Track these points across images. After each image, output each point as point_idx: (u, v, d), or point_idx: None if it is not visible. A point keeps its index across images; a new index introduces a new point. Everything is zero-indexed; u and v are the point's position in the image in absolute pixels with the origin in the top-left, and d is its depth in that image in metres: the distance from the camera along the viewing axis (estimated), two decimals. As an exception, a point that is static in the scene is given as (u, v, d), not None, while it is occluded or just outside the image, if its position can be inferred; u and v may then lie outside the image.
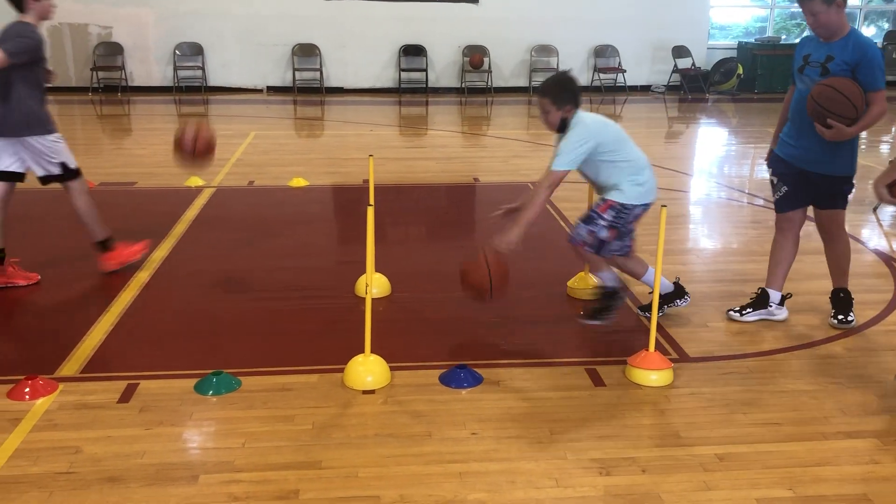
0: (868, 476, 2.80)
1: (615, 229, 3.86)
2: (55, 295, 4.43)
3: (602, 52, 13.68)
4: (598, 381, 3.47)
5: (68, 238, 5.49)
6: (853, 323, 4.04)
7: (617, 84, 13.82)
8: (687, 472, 2.80)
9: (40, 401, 3.24)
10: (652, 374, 3.42)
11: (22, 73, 4.22)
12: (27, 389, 3.28)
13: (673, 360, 3.59)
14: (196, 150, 4.61)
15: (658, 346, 3.62)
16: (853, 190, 3.98)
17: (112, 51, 12.80)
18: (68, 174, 4.53)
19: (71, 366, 3.56)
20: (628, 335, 3.94)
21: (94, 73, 12.67)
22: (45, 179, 4.53)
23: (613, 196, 3.84)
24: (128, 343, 3.83)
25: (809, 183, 3.93)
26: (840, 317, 4.05)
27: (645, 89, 13.93)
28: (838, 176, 3.86)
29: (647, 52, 13.82)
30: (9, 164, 4.39)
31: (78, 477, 2.74)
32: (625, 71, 13.57)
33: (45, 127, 4.39)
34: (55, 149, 4.45)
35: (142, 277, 4.65)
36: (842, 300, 4.08)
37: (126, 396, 3.29)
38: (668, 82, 13.85)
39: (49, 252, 5.16)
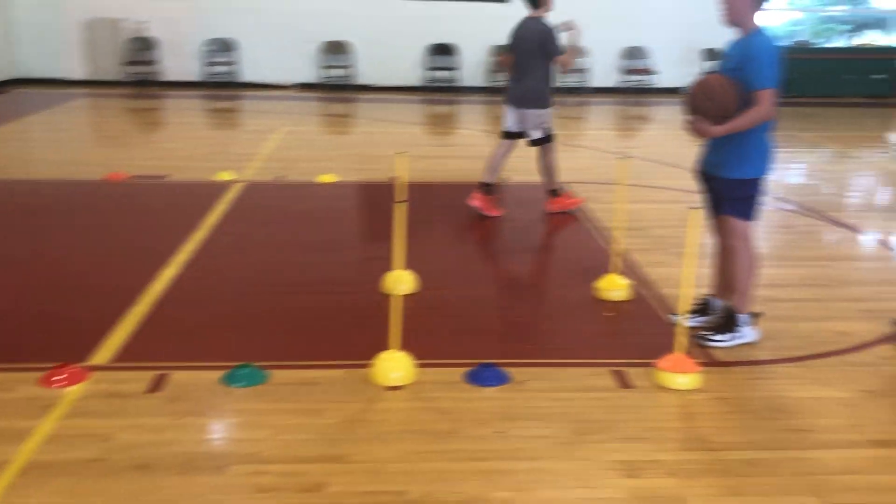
0: (899, 486, 2.76)
1: None
2: (87, 284, 4.49)
3: (632, 53, 13.59)
4: (624, 382, 3.45)
5: (108, 231, 5.58)
6: (725, 344, 3.77)
7: (647, 86, 13.73)
8: (714, 476, 2.78)
9: (72, 388, 3.29)
10: (680, 377, 3.39)
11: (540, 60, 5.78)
12: (58, 377, 3.33)
13: (701, 364, 3.56)
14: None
15: (686, 350, 3.59)
16: (755, 198, 3.71)
17: (146, 45, 12.96)
18: (548, 140, 6.00)
19: (102, 354, 3.61)
20: (656, 338, 3.91)
21: (128, 66, 12.83)
22: (533, 142, 6.02)
23: None
24: (158, 333, 3.87)
25: (710, 186, 3.81)
26: (708, 335, 3.80)
27: (675, 91, 13.81)
28: (729, 179, 3.67)
29: (678, 54, 13.71)
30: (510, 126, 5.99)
31: (108, 464, 2.78)
32: (655, 73, 13.47)
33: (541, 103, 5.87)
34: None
35: (172, 270, 4.70)
36: (724, 319, 3.82)
37: (156, 386, 3.34)
38: (699, 85, 13.73)
39: (89, 244, 5.25)
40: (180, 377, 3.42)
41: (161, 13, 12.83)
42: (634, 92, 13.59)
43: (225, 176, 6.96)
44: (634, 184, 6.31)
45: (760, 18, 3.60)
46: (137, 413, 3.13)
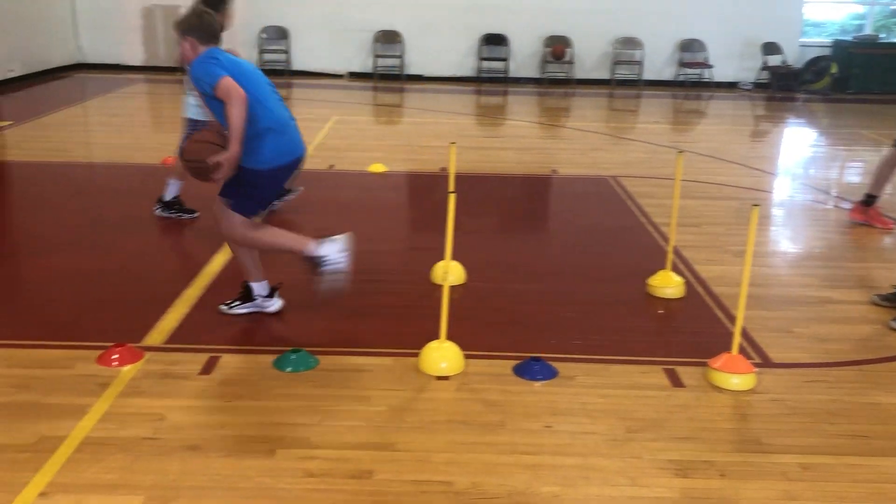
0: (963, 498, 2.67)
1: None
2: (143, 267, 4.58)
3: (688, 46, 13.34)
4: (676, 381, 3.39)
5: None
6: (235, 310, 3.92)
7: (702, 80, 13.47)
8: (768, 479, 2.72)
9: (127, 368, 3.36)
10: (734, 377, 3.32)
11: None
12: (115, 356, 3.41)
13: (755, 365, 3.49)
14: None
15: (741, 350, 3.52)
16: (254, 192, 3.75)
17: (201, 33, 13.13)
18: None
19: (156, 336, 3.68)
20: (710, 337, 3.84)
21: (184, 53, 13.03)
22: None
23: None
24: (210, 317, 3.93)
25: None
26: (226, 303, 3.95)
27: (731, 86, 13.53)
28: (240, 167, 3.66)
29: (736, 48, 13.41)
30: None
31: (161, 443, 2.84)
32: (711, 66, 13.21)
33: None
34: None
35: (224, 255, 4.76)
36: (243, 292, 3.95)
37: (208, 368, 3.39)
38: (757, 79, 13.43)
39: (145, 227, 5.35)
40: (231, 360, 3.47)
41: (217, 1, 13.00)
42: (690, 86, 13.36)
43: (277, 163, 7.02)
44: (688, 179, 6.20)
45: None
46: (190, 394, 3.18)
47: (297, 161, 3.86)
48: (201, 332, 3.76)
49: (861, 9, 14.68)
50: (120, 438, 2.85)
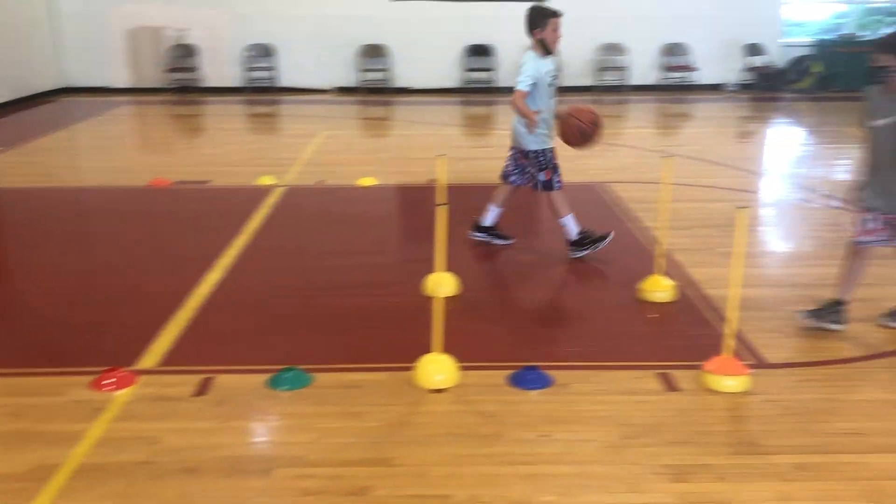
0: (959, 492, 2.68)
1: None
2: (134, 290, 4.57)
3: (672, 49, 13.42)
4: (671, 385, 3.40)
5: (154, 236, 5.68)
6: None
7: (687, 83, 13.56)
8: (765, 481, 2.73)
9: (120, 392, 3.35)
10: (728, 379, 3.33)
11: None
12: (108, 381, 3.39)
13: (749, 366, 3.50)
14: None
15: (735, 352, 3.52)
16: None
17: (187, 52, 13.16)
18: None
19: (149, 359, 3.67)
20: (702, 340, 3.85)
21: (170, 73, 13.04)
22: None
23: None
24: (204, 337, 3.92)
25: None
26: None
27: (716, 88, 13.62)
28: None
29: (719, 50, 13.51)
30: None
31: (157, 467, 2.82)
32: (696, 69, 13.29)
33: None
34: None
35: (216, 275, 4.76)
36: None
37: (202, 389, 3.38)
38: (741, 81, 13.52)
39: (136, 250, 5.34)
40: (226, 380, 3.46)
41: (201, 20, 13.02)
42: (675, 89, 13.43)
43: (266, 181, 7.04)
44: (677, 182, 6.23)
45: None
46: (185, 416, 3.17)
47: None
48: (194, 352, 3.75)
49: (844, 7, 14.79)
50: (115, 464, 2.84)
